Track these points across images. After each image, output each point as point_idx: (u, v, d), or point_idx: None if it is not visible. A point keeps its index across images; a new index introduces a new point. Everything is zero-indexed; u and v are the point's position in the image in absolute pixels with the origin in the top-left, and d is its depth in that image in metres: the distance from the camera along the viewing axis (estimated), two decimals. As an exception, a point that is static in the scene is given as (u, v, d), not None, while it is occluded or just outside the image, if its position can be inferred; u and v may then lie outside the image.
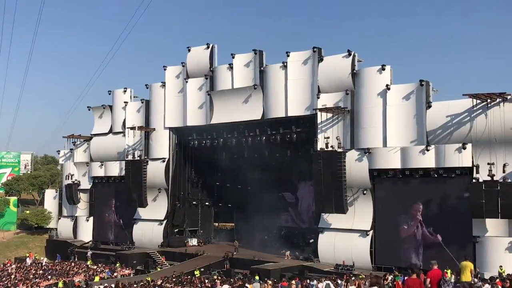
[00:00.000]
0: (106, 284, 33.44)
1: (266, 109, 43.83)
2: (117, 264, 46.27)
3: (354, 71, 39.33)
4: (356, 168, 37.84)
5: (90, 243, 54.35)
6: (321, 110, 39.18)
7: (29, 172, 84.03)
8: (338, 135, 38.31)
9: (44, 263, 50.59)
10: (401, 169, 36.38)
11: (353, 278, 27.50)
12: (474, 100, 33.15)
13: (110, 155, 54.34)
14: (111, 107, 55.29)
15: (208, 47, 48.51)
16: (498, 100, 32.64)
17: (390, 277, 26.01)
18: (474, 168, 33.06)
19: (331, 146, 37.63)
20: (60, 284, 37.08)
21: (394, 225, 36.71)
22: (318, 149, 38.53)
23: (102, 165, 54.99)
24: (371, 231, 37.61)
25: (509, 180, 31.64)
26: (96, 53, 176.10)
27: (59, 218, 60.08)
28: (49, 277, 41.55)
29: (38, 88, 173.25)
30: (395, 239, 36.50)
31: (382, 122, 37.27)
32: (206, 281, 33.17)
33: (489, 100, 32.79)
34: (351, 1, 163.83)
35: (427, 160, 34.98)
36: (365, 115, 38.10)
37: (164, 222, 50.26)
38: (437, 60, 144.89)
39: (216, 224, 56.13)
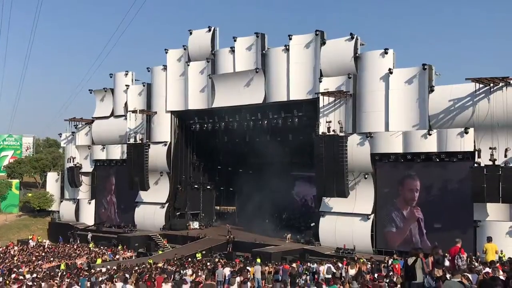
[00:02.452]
0: (108, 267, 33.66)
1: (268, 93, 43.69)
2: (119, 247, 46.53)
3: (357, 54, 39.13)
4: (357, 152, 37.82)
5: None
6: (323, 94, 39.03)
7: (30, 154, 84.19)
8: (340, 119, 38.22)
9: (46, 246, 50.90)
10: (402, 154, 36.36)
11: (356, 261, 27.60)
12: (477, 84, 33.00)
13: (112, 138, 54.39)
14: (112, 90, 55.21)
15: (209, 30, 48.22)
16: (501, 84, 32.49)
17: (390, 261, 26.18)
18: (476, 152, 33.01)
19: (333, 130, 37.56)
20: (63, 266, 37.32)
21: (395, 209, 36.81)
22: (320, 133, 38.48)
23: (103, 148, 55.07)
24: (372, 215, 37.72)
25: (511, 165, 31.58)
26: (99, 36, 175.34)
27: (61, 201, 60.34)
28: (52, 259, 41.84)
29: (40, 71, 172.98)
30: (395, 223, 36.65)
31: (384, 106, 37.16)
32: (208, 263, 33.36)
33: (492, 85, 32.63)
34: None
35: (429, 145, 34.95)
36: (367, 99, 37.97)
37: (166, 205, 50.43)
38: (440, 44, 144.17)
39: (218, 207, 56.36)
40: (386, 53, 37.57)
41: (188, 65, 48.82)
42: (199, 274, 25.95)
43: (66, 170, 58.21)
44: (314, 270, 25.64)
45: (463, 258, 14.81)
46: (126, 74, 54.03)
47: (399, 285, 13.72)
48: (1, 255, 45.10)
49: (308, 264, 29.29)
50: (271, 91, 43.46)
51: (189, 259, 37.03)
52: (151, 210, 50.94)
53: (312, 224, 42.00)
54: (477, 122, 33.24)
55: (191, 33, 49.28)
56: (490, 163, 31.63)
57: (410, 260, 12.48)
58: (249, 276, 22.93)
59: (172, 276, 23.92)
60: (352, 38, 39.26)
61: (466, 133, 33.31)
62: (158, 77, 51.11)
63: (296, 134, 45.02)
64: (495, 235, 31.40)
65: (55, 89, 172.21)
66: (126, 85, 53.39)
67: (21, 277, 28.26)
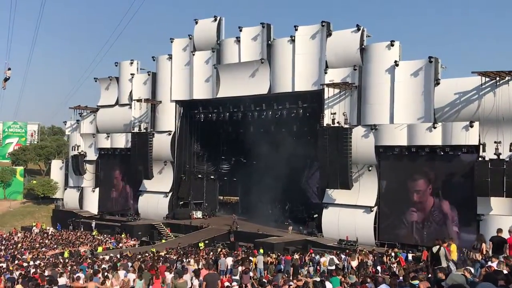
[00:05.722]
0: (111, 254, 33.81)
1: (273, 83, 43.58)
2: (123, 235, 46.70)
3: (363, 46, 38.93)
4: (362, 144, 37.74)
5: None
6: (328, 85, 38.87)
7: (35, 142, 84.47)
8: (344, 111, 38.10)
9: (50, 233, 51.16)
10: (407, 146, 36.27)
11: (357, 253, 27.64)
12: (483, 77, 32.80)
13: (116, 127, 54.43)
14: (117, 79, 55.16)
15: (215, 20, 48.04)
16: (507, 78, 32.30)
17: (393, 254, 26.29)
18: (481, 146, 32.92)
19: (338, 122, 37.46)
20: (66, 254, 37.52)
21: (399, 202, 36.79)
22: (325, 124, 38.35)
23: (108, 136, 55.14)
24: (375, 207, 37.70)
25: (515, 159, 31.51)
26: (106, 24, 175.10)
27: (65, 189, 60.60)
28: (55, 246, 42.04)
29: (45, 59, 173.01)
30: (398, 216, 36.66)
31: (389, 99, 37.02)
32: (211, 253, 33.45)
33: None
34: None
35: (434, 138, 34.84)
36: (373, 91, 37.83)
37: (170, 194, 50.58)
38: (447, 37, 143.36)
39: (221, 197, 56.42)
40: (392, 45, 37.37)
41: (194, 54, 48.70)
42: (202, 263, 26.04)
43: (71, 158, 58.38)
44: (317, 261, 25.71)
45: None
46: (131, 63, 53.97)
47: (401, 278, 13.90)
48: (5, 241, 45.36)
49: (312, 255, 29.33)
50: (276, 82, 43.34)
51: (192, 248, 37.14)
52: (154, 199, 51.08)
53: (315, 216, 42.05)
54: (483, 115, 33.07)
55: (196, 23, 49.11)
56: (495, 157, 31.56)
57: (435, 249, 14.51)
58: (251, 266, 22.98)
59: (175, 265, 24.01)
60: (358, 29, 39.06)
61: (471, 126, 33.17)
62: (163, 66, 51.03)
63: (301, 125, 44.96)
64: (498, 229, 31.44)
65: (60, 77, 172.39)
66: (131, 74, 53.35)
67: (24, 264, 28.43)
